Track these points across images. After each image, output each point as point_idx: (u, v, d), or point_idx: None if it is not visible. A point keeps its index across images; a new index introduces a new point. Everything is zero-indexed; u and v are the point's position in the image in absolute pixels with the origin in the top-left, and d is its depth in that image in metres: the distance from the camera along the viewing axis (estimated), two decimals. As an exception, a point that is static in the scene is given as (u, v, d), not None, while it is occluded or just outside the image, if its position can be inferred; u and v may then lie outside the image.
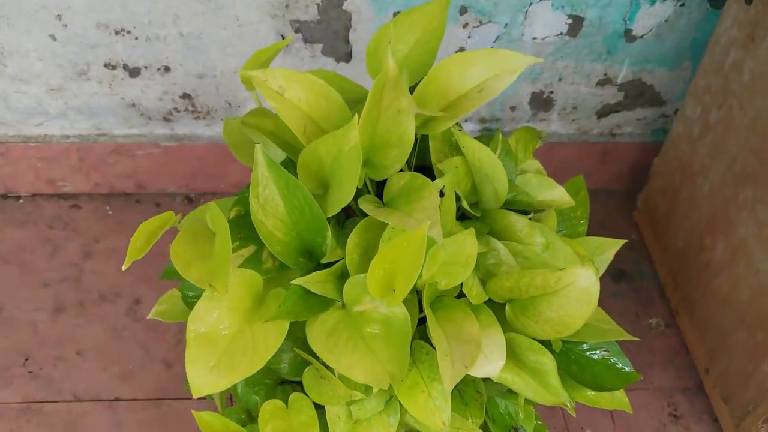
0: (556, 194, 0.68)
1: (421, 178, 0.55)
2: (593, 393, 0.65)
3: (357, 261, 0.57)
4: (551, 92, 1.20)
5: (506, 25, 1.08)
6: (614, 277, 1.21)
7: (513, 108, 1.22)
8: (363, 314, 0.55)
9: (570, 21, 1.09)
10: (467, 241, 0.54)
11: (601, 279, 1.19)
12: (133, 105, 1.15)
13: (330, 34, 1.08)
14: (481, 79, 0.57)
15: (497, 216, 0.62)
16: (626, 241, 0.72)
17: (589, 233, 1.24)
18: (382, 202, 0.58)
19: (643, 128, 1.28)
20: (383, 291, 0.52)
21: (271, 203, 0.56)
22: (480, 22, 1.08)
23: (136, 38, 1.06)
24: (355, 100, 0.63)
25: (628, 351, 1.08)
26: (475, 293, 0.57)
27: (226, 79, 1.13)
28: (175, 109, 1.17)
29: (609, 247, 0.71)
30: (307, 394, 0.60)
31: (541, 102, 1.22)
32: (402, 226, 0.51)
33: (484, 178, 0.61)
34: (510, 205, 0.65)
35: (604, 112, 1.25)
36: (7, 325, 1.04)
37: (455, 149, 0.61)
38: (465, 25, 1.08)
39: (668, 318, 1.15)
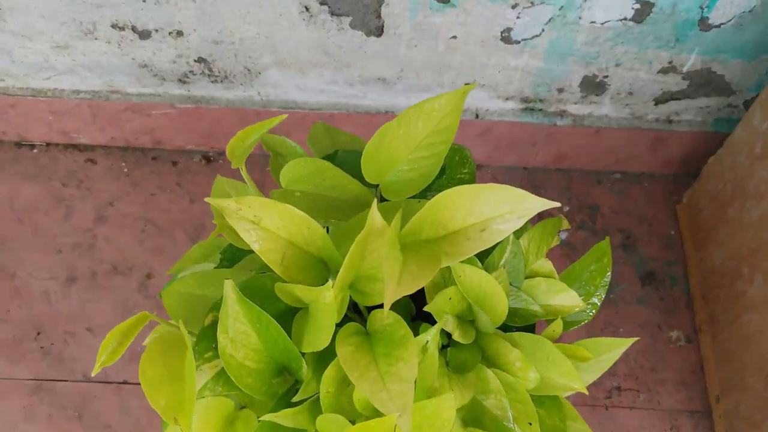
0: (566, 299, 0.62)
1: (403, 329, 0.50)
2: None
3: (333, 394, 0.54)
4: (606, 76, 1.08)
5: (562, 7, 0.95)
6: (643, 280, 1.15)
7: (561, 90, 1.11)
8: (334, 453, 0.53)
9: (637, 6, 0.95)
10: (444, 406, 0.50)
11: (629, 280, 1.14)
12: (145, 66, 1.08)
13: (360, 7, 0.97)
14: (484, 218, 0.50)
15: (492, 342, 0.57)
16: (637, 339, 0.67)
17: (626, 222, 1.17)
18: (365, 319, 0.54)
19: (705, 116, 1.16)
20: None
21: (242, 335, 0.52)
22: (532, 2, 0.95)
23: (144, 0, 0.97)
24: (358, 204, 0.56)
25: (644, 364, 1.05)
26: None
27: (244, 46, 1.04)
28: (191, 72, 1.09)
29: (618, 346, 0.66)
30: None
31: (593, 85, 1.10)
32: (371, 401, 0.47)
33: (481, 308, 0.56)
34: (512, 318, 0.60)
35: (663, 99, 1.12)
36: (22, 294, 1.06)
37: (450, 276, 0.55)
38: (514, 6, 0.96)
39: (690, 332, 1.10)
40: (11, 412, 0.97)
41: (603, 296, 0.72)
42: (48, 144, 1.20)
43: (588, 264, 0.71)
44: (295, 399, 0.53)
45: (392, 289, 0.44)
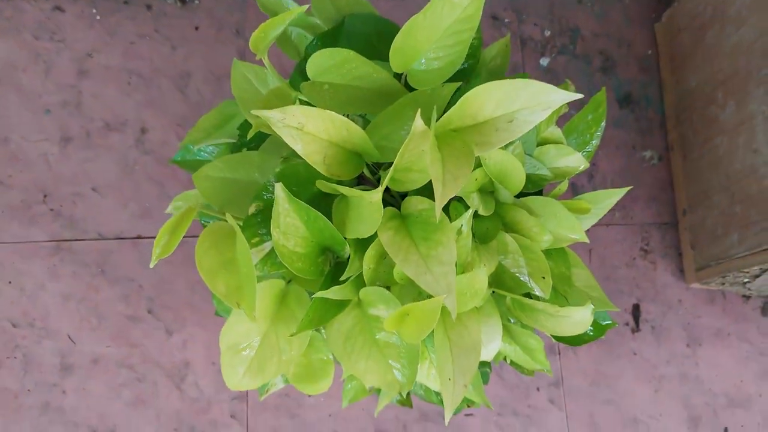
0: (572, 161, 0.67)
1: (441, 215, 0.55)
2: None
3: (373, 269, 0.60)
4: None
5: None
6: (620, 102, 1.20)
7: None
8: (378, 319, 0.61)
9: None
10: (478, 278, 0.57)
11: (608, 103, 1.19)
12: None
13: None
14: (512, 109, 0.53)
15: (510, 211, 0.63)
16: (631, 188, 0.73)
17: (606, 44, 1.20)
18: (401, 198, 0.59)
19: (686, -69, 1.14)
20: (397, 325, 0.57)
21: (292, 228, 0.57)
22: None
23: None
24: (385, 93, 0.58)
25: (620, 183, 1.14)
26: (483, 296, 0.62)
27: None
28: None
29: (613, 195, 0.73)
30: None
31: None
32: (417, 282, 0.54)
33: (502, 183, 0.61)
34: (525, 184, 0.66)
35: None
36: (19, 158, 1.06)
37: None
38: None
39: (662, 152, 1.18)
40: (36, 273, 1.03)
41: (597, 144, 0.78)
42: (8, -7, 1.12)
43: (585, 114, 0.76)
44: (342, 278, 0.60)
45: (440, 192, 0.49)
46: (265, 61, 0.61)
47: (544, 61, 1.20)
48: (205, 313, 1.03)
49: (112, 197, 1.06)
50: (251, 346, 0.60)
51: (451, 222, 0.57)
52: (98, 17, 1.13)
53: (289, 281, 0.64)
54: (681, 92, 1.14)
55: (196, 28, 1.13)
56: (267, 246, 0.62)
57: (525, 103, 0.53)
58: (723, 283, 1.05)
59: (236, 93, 0.64)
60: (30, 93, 1.09)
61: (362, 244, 0.60)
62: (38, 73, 1.10)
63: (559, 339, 0.70)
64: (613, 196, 0.73)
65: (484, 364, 0.80)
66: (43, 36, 1.11)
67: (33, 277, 1.03)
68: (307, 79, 0.69)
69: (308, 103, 0.59)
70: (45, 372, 1.00)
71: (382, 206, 0.53)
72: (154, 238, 1.02)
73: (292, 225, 0.57)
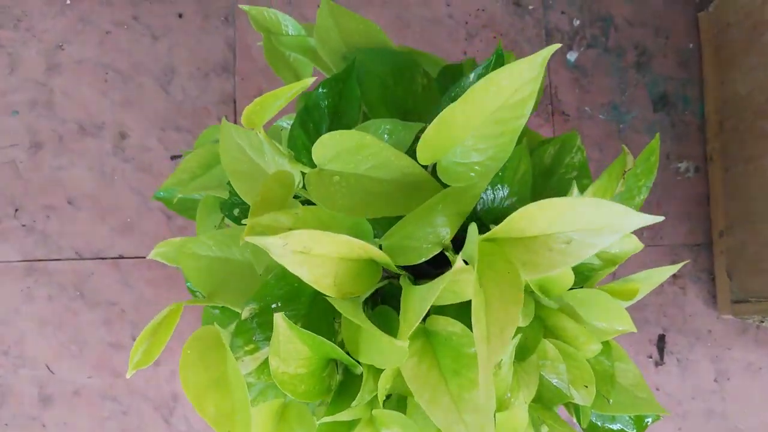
0: (627, 244, 0.57)
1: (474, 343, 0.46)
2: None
3: (389, 388, 0.51)
4: None
5: None
6: (655, 103, 1.08)
7: None
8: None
9: None
10: (518, 417, 0.48)
11: (641, 105, 1.08)
12: None
13: None
14: (572, 228, 0.43)
15: (553, 316, 0.53)
16: (687, 262, 0.63)
17: (642, 36, 1.07)
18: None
19: None
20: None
21: (293, 353, 0.47)
22: None
23: None
24: (409, 186, 0.48)
25: (650, 199, 1.04)
26: None
27: None
28: None
29: (667, 273, 0.63)
30: None
31: None
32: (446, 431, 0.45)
33: (544, 291, 0.51)
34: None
35: None
36: (-16, 166, 0.95)
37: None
38: None
39: (699, 162, 1.07)
40: (10, 296, 0.93)
41: (644, 198, 0.67)
42: (-36, -30, 0.98)
43: (636, 166, 0.65)
44: (354, 404, 0.50)
45: (484, 354, 0.39)
46: (263, 137, 0.49)
47: (572, 56, 1.07)
48: (194, 341, 0.94)
49: (89, 210, 0.95)
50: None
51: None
52: (68, 2, 0.99)
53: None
54: (726, 96, 1.02)
55: (180, 16, 0.99)
56: (264, 353, 0.53)
57: (589, 223, 0.42)
58: (762, 321, 0.97)
59: (227, 163, 0.53)
60: (-7, 90, 0.96)
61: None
62: (2, 67, 0.96)
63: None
64: (667, 272, 0.63)
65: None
66: (6, 24, 0.97)
67: (5, 301, 0.93)
68: (310, 132, 0.58)
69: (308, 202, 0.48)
70: (23, 404, 0.92)
71: (407, 352, 0.43)
72: (137, 258, 0.92)
73: (293, 351, 0.47)
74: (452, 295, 0.46)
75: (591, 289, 0.56)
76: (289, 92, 0.46)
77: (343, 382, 0.53)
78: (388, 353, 0.45)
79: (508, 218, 0.42)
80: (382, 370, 0.49)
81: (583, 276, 0.57)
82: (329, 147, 0.47)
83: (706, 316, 1.03)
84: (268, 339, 0.52)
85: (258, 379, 0.53)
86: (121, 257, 0.95)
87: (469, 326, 0.47)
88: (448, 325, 0.47)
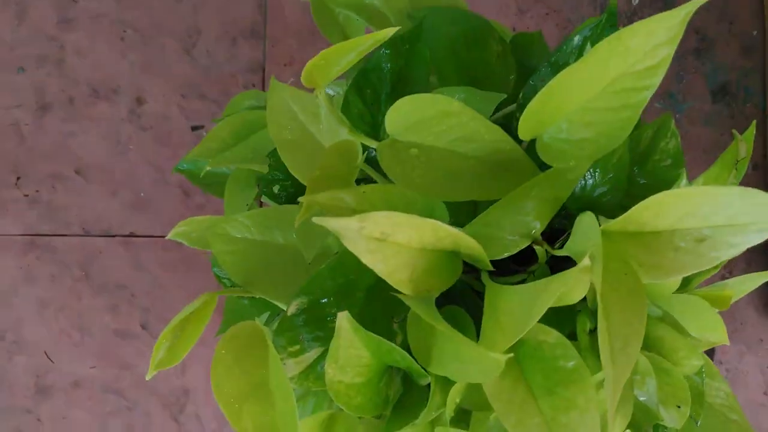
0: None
1: (573, 357, 0.38)
2: None
3: (459, 403, 0.43)
4: None
5: None
6: (714, 94, 1.00)
7: None
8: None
9: None
10: (618, 445, 0.40)
11: (699, 95, 1.00)
12: None
13: None
14: (707, 224, 0.35)
15: (653, 326, 0.46)
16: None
17: (704, 20, 0.99)
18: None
19: None
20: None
21: (354, 359, 0.39)
22: None
23: None
24: (501, 165, 0.39)
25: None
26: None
27: None
28: None
29: (761, 279, 0.56)
30: None
31: None
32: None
33: (649, 296, 0.43)
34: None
35: None
36: (-15, 128, 0.86)
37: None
38: None
39: (759, 158, 0.99)
40: (8, 274, 0.85)
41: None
42: None
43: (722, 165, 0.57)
44: (418, 421, 0.42)
45: (611, 379, 0.31)
46: (323, 100, 0.41)
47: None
48: (209, 329, 0.87)
49: (99, 182, 0.87)
50: None
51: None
52: (85, -50, 0.90)
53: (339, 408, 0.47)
54: (793, 90, 0.94)
55: (208, -28, 0.91)
56: (310, 355, 0.45)
57: (730, 218, 0.34)
58: (828, 335, 0.89)
59: (275, 132, 0.45)
60: (-1, 44, 0.88)
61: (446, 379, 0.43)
62: (8, 18, 0.88)
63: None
64: (762, 278, 0.56)
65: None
66: (15, -29, 0.89)
67: (3, 279, 0.85)
68: (368, 99, 0.50)
69: (379, 174, 0.39)
70: (17, 395, 0.84)
71: (503, 364, 0.35)
72: (151, 237, 0.84)
73: (354, 357, 0.39)
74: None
75: (691, 296, 0.49)
76: (363, 44, 0.37)
77: (404, 395, 0.45)
78: (474, 365, 0.37)
79: (632, 209, 0.34)
80: (453, 383, 0.42)
81: (683, 279, 0.49)
82: (407, 114, 0.39)
83: (758, 325, 0.95)
84: (316, 339, 0.44)
85: (302, 386, 0.45)
86: (133, 235, 0.87)
87: (564, 335, 0.39)
88: (539, 332, 0.39)
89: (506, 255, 0.39)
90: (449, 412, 0.42)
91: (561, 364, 0.38)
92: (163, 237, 0.87)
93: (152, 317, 0.85)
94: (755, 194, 0.33)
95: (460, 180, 0.39)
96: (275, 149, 0.54)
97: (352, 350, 0.39)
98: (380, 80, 0.49)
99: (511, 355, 0.34)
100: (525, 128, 0.38)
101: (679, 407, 0.47)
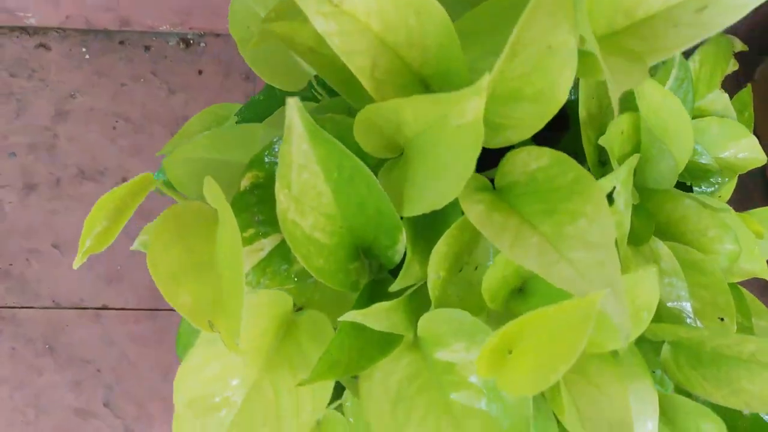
0: (746, 146, 0.45)
1: (573, 170, 0.32)
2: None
3: (445, 279, 0.36)
4: None
5: None
6: None
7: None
8: (450, 368, 0.35)
9: None
10: (645, 283, 0.32)
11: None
12: None
13: None
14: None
15: (666, 201, 0.40)
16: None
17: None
18: (492, 185, 0.36)
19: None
20: (496, 367, 0.32)
21: (312, 192, 0.34)
22: None
23: None
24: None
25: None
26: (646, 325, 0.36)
27: None
28: None
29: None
30: None
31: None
32: (544, 275, 0.29)
33: (659, 146, 0.38)
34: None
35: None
36: (-34, 205, 0.85)
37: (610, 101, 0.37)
38: None
39: None
40: (-37, 350, 0.78)
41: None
42: (-12, 26, 0.96)
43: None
44: (392, 288, 0.35)
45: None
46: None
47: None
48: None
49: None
50: (229, 403, 0.34)
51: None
52: (88, 56, 0.96)
53: (299, 308, 0.39)
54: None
55: (200, 72, 0.95)
56: (266, 246, 0.38)
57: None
58: None
59: (236, 34, 0.44)
60: (-6, 132, 0.90)
61: (426, 237, 0.36)
62: (8, 112, 0.91)
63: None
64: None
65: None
66: (20, 74, 0.93)
67: (-43, 356, 0.77)
68: None
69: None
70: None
71: (481, 132, 0.29)
72: (123, 309, 0.78)
73: (311, 187, 0.33)
74: (535, 108, 0.33)
75: (714, 198, 0.43)
76: None
77: (375, 287, 0.38)
78: (450, 156, 0.31)
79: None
80: (431, 248, 0.35)
81: (694, 176, 0.44)
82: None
83: None
84: (273, 224, 0.38)
85: (257, 283, 0.38)
86: (105, 308, 0.80)
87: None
88: (531, 159, 0.34)
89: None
90: (432, 279, 0.35)
91: (559, 183, 0.33)
92: (136, 309, 0.81)
93: (115, 395, 0.76)
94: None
95: None
96: (245, 106, 0.52)
97: (307, 175, 0.33)
98: None
99: (481, 110, 0.28)
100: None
101: (721, 319, 0.40)
